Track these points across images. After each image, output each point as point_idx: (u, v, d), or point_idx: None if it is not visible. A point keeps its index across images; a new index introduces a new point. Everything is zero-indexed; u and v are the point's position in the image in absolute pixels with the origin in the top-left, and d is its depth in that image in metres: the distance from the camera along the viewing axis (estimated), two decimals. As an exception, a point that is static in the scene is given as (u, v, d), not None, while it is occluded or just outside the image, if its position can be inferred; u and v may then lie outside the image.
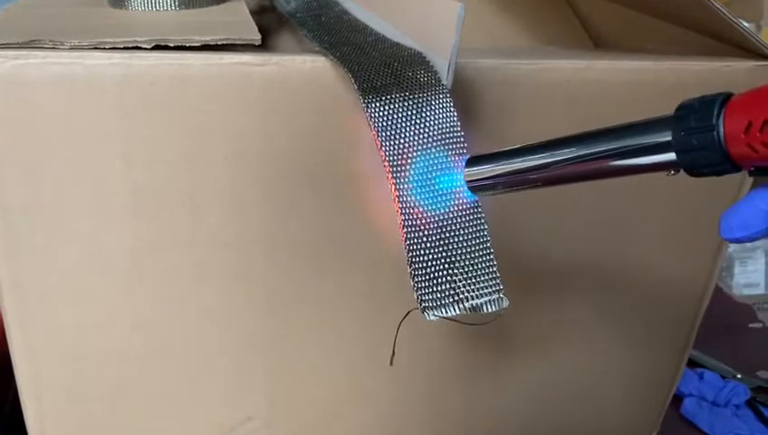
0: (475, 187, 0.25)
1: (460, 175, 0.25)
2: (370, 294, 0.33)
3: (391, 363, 0.33)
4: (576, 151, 0.22)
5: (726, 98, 0.18)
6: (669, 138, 0.19)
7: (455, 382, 0.38)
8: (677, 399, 0.57)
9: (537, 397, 0.41)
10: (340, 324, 0.33)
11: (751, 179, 0.36)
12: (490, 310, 0.24)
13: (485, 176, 0.25)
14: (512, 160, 0.24)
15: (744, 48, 0.35)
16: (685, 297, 0.41)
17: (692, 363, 0.61)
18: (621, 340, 0.41)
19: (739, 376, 0.60)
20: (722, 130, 0.18)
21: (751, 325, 0.72)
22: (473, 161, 0.25)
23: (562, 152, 0.22)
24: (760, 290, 0.79)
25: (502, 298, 0.24)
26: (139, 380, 0.32)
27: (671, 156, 0.19)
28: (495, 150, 0.25)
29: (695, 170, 0.19)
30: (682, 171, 0.20)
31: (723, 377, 0.60)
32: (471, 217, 0.25)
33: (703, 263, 0.40)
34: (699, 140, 0.18)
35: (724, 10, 0.33)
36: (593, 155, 0.22)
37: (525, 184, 0.24)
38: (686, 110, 0.19)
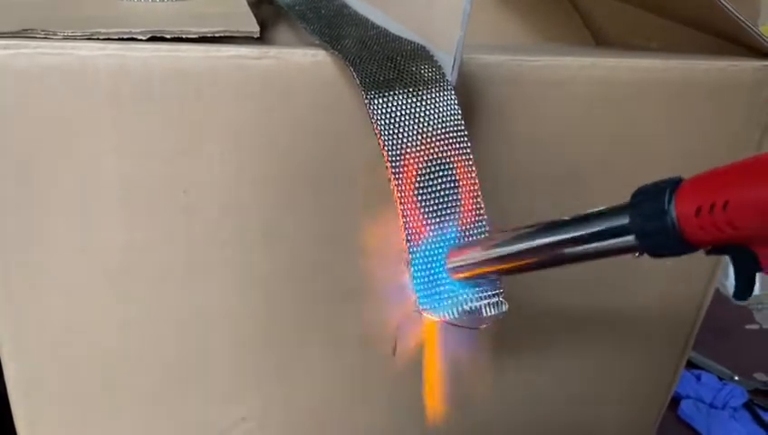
0: (454, 273, 0.26)
1: (462, 172, 0.25)
2: (368, 293, 0.32)
3: (394, 354, 0.32)
4: (543, 240, 0.23)
5: (677, 183, 0.19)
6: (627, 222, 0.20)
7: (452, 386, 0.37)
8: (675, 401, 0.57)
9: (536, 399, 0.40)
10: (336, 324, 0.33)
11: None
12: (490, 313, 0.24)
13: (464, 264, 0.25)
14: (487, 251, 0.25)
15: (750, 47, 0.34)
16: (685, 301, 0.40)
17: (689, 365, 0.61)
18: (620, 343, 0.40)
19: (736, 378, 0.60)
20: (674, 214, 0.19)
21: (748, 327, 0.72)
22: (455, 250, 0.26)
23: (530, 242, 0.23)
24: (755, 291, 0.79)
25: (502, 302, 0.24)
26: (131, 379, 0.31)
27: (631, 240, 0.20)
28: (471, 241, 0.26)
29: (655, 252, 0.20)
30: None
31: (720, 379, 0.60)
32: (473, 217, 0.25)
33: (703, 267, 0.39)
34: (654, 224, 0.19)
35: (730, 8, 0.32)
36: (558, 242, 0.22)
37: (501, 271, 0.25)
38: (641, 196, 0.20)
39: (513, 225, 0.24)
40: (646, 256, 0.20)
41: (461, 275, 0.25)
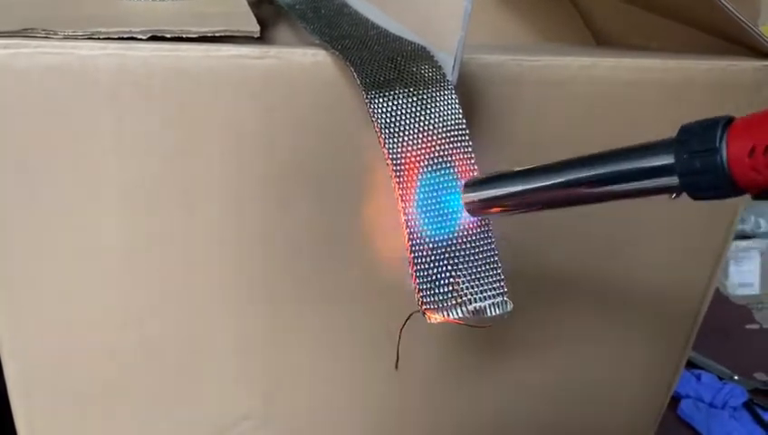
0: (473, 210, 0.25)
1: (464, 172, 0.25)
2: (370, 293, 0.32)
3: (396, 368, 0.32)
4: (577, 175, 0.22)
5: (728, 121, 0.18)
6: (672, 161, 0.19)
7: (453, 385, 0.37)
8: (675, 400, 0.57)
9: (535, 399, 0.40)
10: (338, 324, 0.33)
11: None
12: (493, 313, 0.24)
13: (483, 199, 0.25)
14: (509, 184, 0.24)
15: (750, 47, 0.34)
16: (685, 300, 0.40)
17: (689, 364, 0.61)
18: (620, 342, 0.40)
19: (736, 378, 0.60)
20: (725, 153, 0.18)
21: (748, 326, 0.72)
22: (470, 185, 0.25)
23: (563, 176, 0.22)
24: (754, 290, 0.79)
25: (506, 301, 0.24)
26: (132, 378, 0.31)
27: (674, 179, 0.19)
28: (492, 174, 0.25)
29: (698, 193, 0.19)
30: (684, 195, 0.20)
31: (720, 378, 0.60)
32: (475, 219, 0.25)
33: (703, 265, 0.39)
34: (702, 163, 0.18)
35: (731, 8, 0.32)
36: (594, 178, 0.21)
37: (523, 208, 0.24)
38: (688, 133, 0.19)
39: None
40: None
41: (478, 211, 0.25)
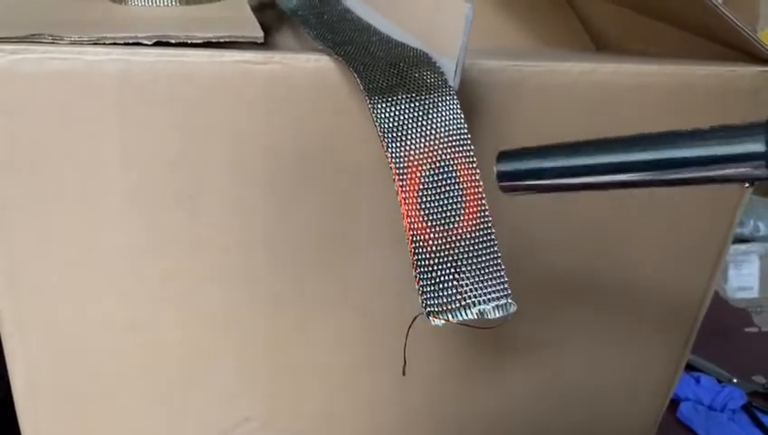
0: (510, 185, 0.23)
1: (466, 176, 0.25)
2: (372, 295, 0.33)
3: (404, 374, 0.32)
4: (641, 155, 0.20)
5: None
6: (763, 148, 0.18)
7: (454, 385, 0.37)
8: (674, 403, 0.57)
9: (535, 401, 0.41)
10: (340, 326, 0.33)
11: (749, 190, 0.36)
12: (497, 315, 0.24)
13: (522, 170, 0.22)
14: (555, 158, 0.22)
15: (748, 53, 0.35)
16: (684, 303, 0.40)
17: (689, 367, 0.61)
18: (620, 344, 0.41)
19: (735, 380, 0.61)
20: None
21: (747, 330, 0.73)
22: (506, 155, 0.23)
23: (624, 155, 0.20)
24: (753, 294, 0.79)
25: (510, 303, 0.24)
26: (136, 380, 0.31)
27: (761, 167, 0.18)
28: (536, 145, 0.22)
29: None
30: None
31: (719, 381, 0.60)
32: (478, 221, 0.25)
33: (702, 268, 0.39)
34: None
35: (728, 14, 0.33)
36: (662, 161, 0.19)
37: (567, 187, 0.22)
38: None
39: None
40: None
41: (509, 186, 0.22)
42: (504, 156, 0.23)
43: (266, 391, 0.34)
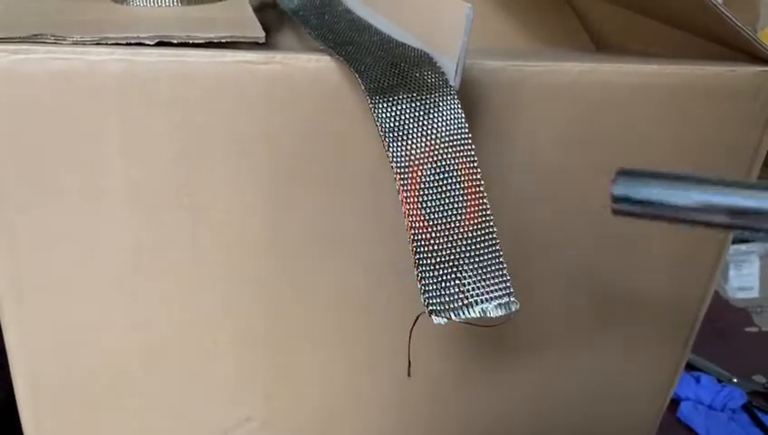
0: (626, 210, 0.20)
1: (467, 175, 0.25)
2: (372, 295, 0.33)
3: (409, 375, 0.32)
4: None
5: None
6: None
7: (455, 385, 0.37)
8: (674, 402, 0.57)
9: (535, 400, 0.41)
10: (341, 326, 0.33)
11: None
12: (499, 314, 0.24)
13: (648, 200, 0.19)
14: (691, 192, 0.19)
15: (748, 53, 0.35)
16: (684, 303, 0.40)
17: (689, 367, 0.61)
18: (620, 344, 0.41)
19: (735, 380, 0.61)
20: None
21: (747, 329, 0.73)
22: (627, 177, 0.20)
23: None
24: (754, 294, 0.79)
25: (512, 301, 0.24)
26: (137, 379, 0.31)
27: None
28: (663, 172, 0.19)
29: None
30: None
31: (719, 381, 0.60)
32: (479, 220, 0.25)
33: (702, 268, 0.39)
34: None
35: (728, 14, 0.33)
36: None
37: (695, 224, 0.19)
38: None
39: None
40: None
41: (624, 209, 0.20)
42: (623, 176, 0.20)
43: (266, 391, 0.34)
